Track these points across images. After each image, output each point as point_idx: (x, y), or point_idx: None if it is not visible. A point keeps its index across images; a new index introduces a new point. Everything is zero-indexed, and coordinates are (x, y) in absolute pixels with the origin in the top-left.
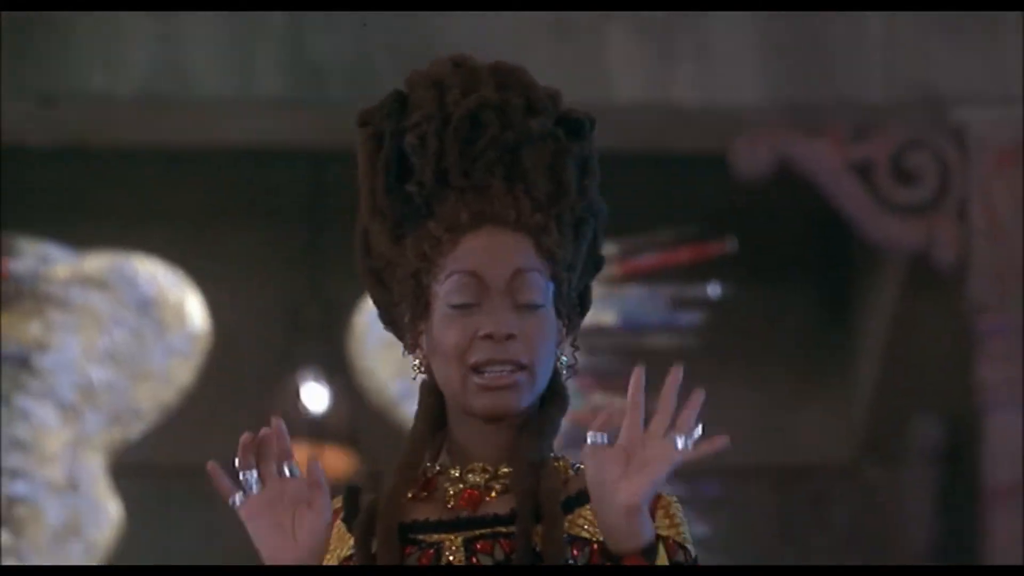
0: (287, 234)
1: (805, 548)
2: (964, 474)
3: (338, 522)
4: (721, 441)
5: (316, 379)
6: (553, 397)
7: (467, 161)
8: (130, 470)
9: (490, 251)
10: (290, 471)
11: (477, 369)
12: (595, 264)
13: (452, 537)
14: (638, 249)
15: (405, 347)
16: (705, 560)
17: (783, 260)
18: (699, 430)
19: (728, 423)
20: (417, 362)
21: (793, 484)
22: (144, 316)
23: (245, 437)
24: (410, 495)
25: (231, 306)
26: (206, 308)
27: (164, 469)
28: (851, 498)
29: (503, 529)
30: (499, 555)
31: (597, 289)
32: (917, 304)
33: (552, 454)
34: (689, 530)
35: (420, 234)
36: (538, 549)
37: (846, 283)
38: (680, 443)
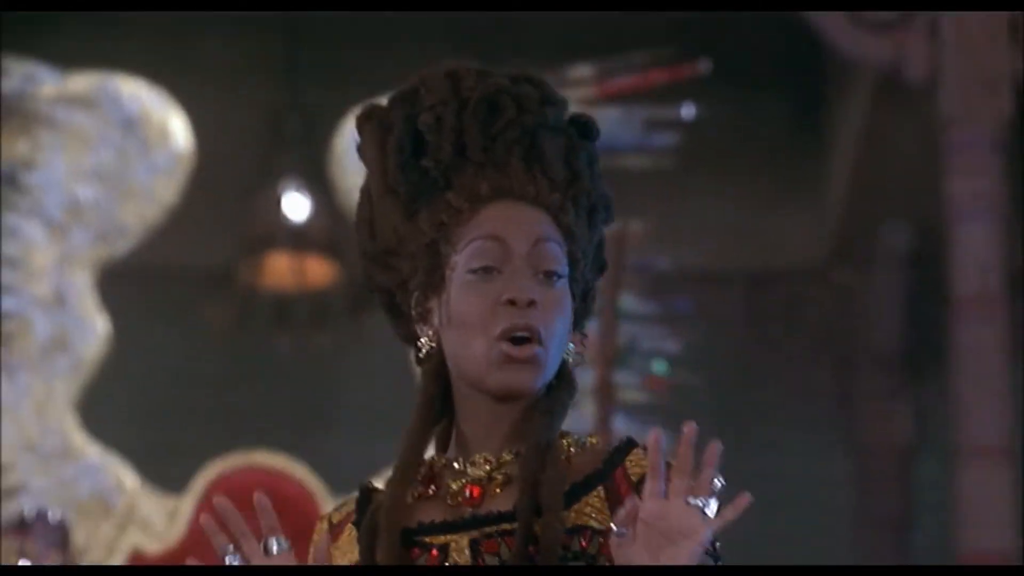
0: (266, 45)
1: (778, 351)
2: (932, 280)
3: (349, 526)
4: (745, 501)
5: (297, 189)
6: (561, 382)
7: (486, 138)
8: (116, 282)
9: (512, 219)
10: (278, 545)
11: (503, 338)
12: (600, 266)
13: (458, 538)
14: (613, 71)
15: (403, 336)
16: (681, 376)
17: (757, 77)
18: (719, 482)
19: (703, 232)
20: (424, 339)
21: (766, 288)
22: (129, 135)
23: (205, 521)
24: (416, 494)
25: (213, 119)
26: (188, 124)
27: (150, 280)
28: (822, 301)
29: (508, 527)
30: (505, 554)
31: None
32: (887, 117)
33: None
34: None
35: (437, 205)
36: (539, 535)
37: (819, 97)
38: (704, 508)
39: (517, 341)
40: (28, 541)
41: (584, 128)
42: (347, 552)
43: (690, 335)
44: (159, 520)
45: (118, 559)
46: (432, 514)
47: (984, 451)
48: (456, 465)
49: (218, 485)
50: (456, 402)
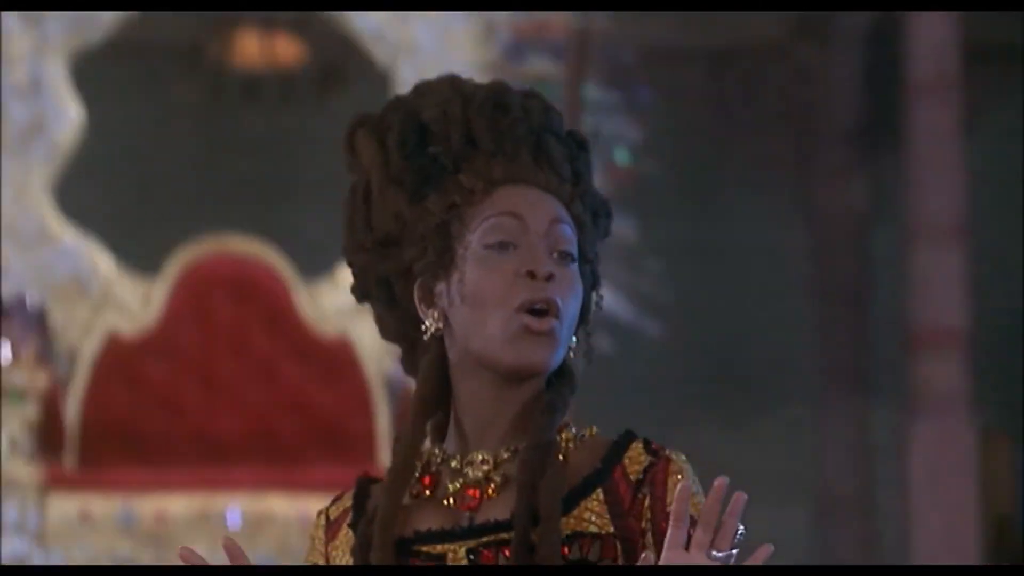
0: None
1: (738, 125)
2: (889, 60)
3: (345, 527)
4: (766, 553)
5: None
6: (563, 377)
7: (494, 131)
8: (88, 63)
9: (528, 199)
10: None
11: (522, 310)
12: (594, 281)
13: (455, 548)
14: None
15: (394, 331)
16: (643, 163)
17: None
18: (741, 533)
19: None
20: (429, 322)
21: (729, 65)
22: None
23: (184, 553)
24: (414, 493)
25: None
26: None
27: (121, 58)
28: (783, 77)
29: (506, 535)
30: (503, 564)
31: None
32: None
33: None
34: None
35: (448, 187)
36: (536, 544)
37: None
38: (725, 563)
39: (536, 313)
40: (7, 325)
41: (582, 142)
42: (345, 553)
43: (652, 122)
44: (134, 302)
45: (94, 341)
46: (429, 520)
47: (937, 230)
48: (454, 464)
49: (191, 270)
50: (456, 394)
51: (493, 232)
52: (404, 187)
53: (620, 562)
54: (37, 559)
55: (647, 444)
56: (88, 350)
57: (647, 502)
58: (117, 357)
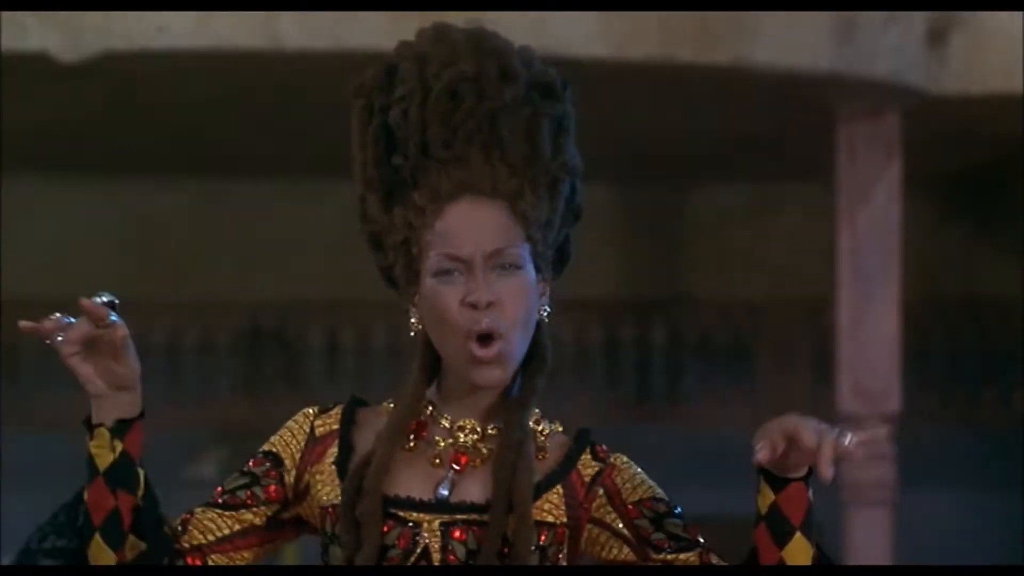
0: None
1: None
2: None
3: (330, 464)
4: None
5: None
6: (534, 359)
7: (448, 132)
8: None
9: (468, 227)
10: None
11: (470, 338)
12: (574, 215)
13: (430, 519)
14: None
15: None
16: None
17: None
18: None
19: None
20: (414, 320)
21: None
22: None
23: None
24: (402, 444)
25: None
26: None
27: None
28: None
29: (477, 517)
30: (471, 542)
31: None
32: None
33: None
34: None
35: (407, 204)
36: (508, 535)
37: None
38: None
39: (482, 339)
40: None
41: (547, 90)
42: (327, 485)
43: None
44: None
45: None
46: (411, 483)
47: None
48: (444, 423)
49: None
50: (444, 369)
51: (438, 262)
52: (377, 193)
53: (566, 546)
54: None
55: (593, 451)
56: None
57: (604, 500)
58: None
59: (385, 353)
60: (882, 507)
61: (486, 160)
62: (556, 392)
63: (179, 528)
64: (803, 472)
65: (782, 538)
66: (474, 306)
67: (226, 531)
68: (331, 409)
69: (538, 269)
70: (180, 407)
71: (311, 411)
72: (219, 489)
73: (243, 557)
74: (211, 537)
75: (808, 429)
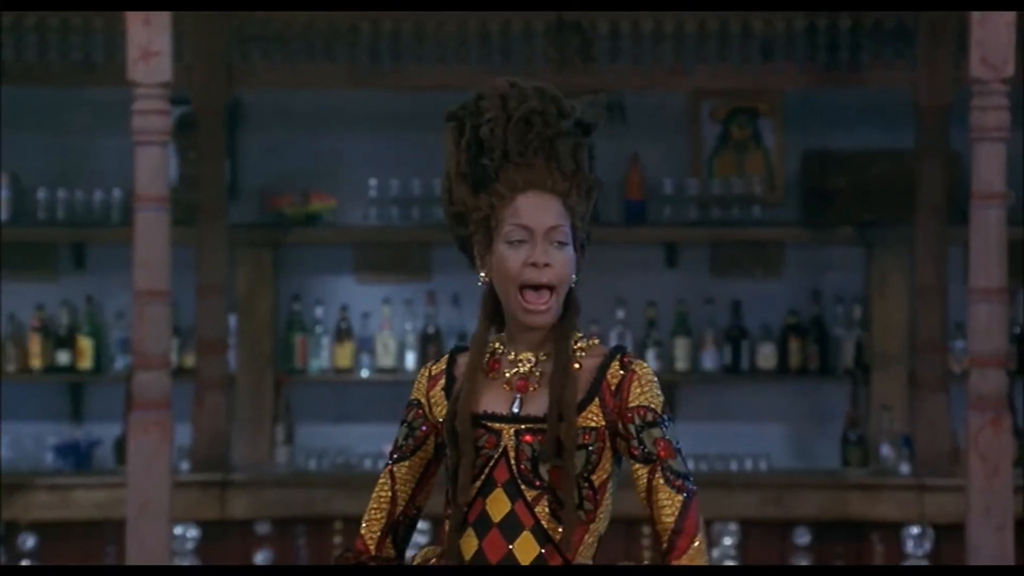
0: None
1: None
2: None
3: (440, 389)
4: None
5: None
6: (570, 306)
7: (522, 146)
8: None
9: (536, 209)
10: None
11: (524, 288)
12: (593, 218)
13: (507, 428)
14: None
15: (473, 267)
16: None
17: None
18: None
19: None
20: (482, 275)
21: None
22: None
23: None
24: (484, 371)
25: None
26: None
27: None
28: None
29: (539, 426)
30: (536, 444)
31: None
32: None
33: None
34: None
35: (490, 191)
36: (560, 437)
37: None
38: None
39: (535, 288)
40: None
41: (587, 128)
42: (439, 406)
43: None
44: None
45: None
46: (492, 402)
47: None
48: (510, 357)
49: None
50: (505, 313)
51: (512, 233)
52: (467, 183)
53: (607, 443)
54: None
55: (622, 360)
56: None
57: (618, 402)
58: None
59: None
60: None
61: (547, 167)
62: None
63: (389, 480)
64: None
65: None
66: (535, 265)
67: (418, 472)
68: (440, 359)
69: (575, 248)
70: None
71: (429, 363)
72: (396, 443)
73: (431, 486)
74: (411, 486)
75: None
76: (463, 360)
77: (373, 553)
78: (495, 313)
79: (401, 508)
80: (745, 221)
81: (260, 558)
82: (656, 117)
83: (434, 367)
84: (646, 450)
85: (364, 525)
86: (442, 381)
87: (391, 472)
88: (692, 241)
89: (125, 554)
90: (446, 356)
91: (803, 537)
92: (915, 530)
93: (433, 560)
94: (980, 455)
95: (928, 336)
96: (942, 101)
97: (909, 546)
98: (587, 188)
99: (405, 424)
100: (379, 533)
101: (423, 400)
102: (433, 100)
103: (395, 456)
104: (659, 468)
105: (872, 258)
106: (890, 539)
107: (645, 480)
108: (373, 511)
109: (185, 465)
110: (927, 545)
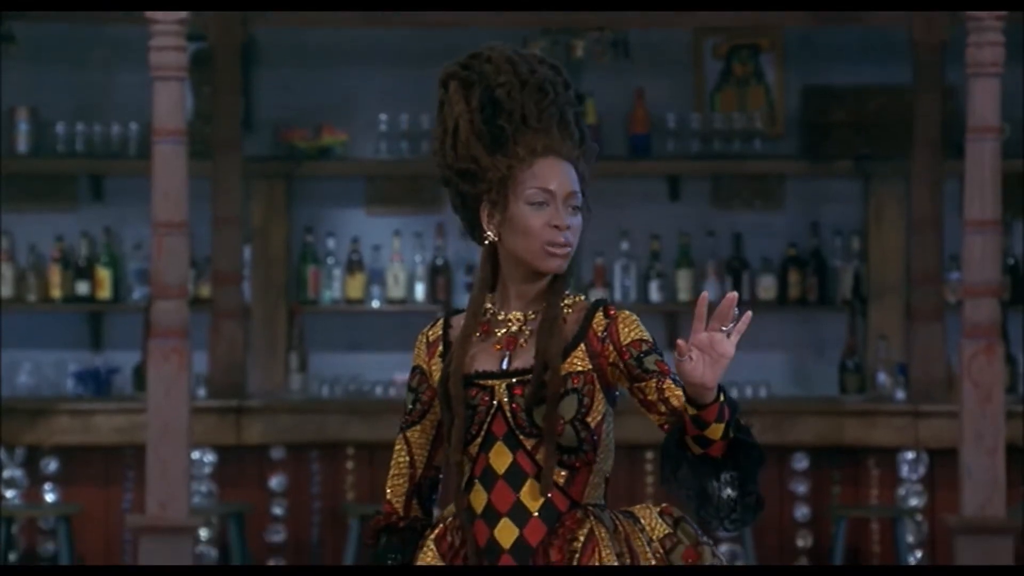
0: None
1: None
2: None
3: (438, 357)
4: (746, 318)
5: None
6: (568, 269)
7: (539, 111)
8: None
9: (557, 174)
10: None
11: (550, 244)
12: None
13: (499, 383)
14: None
15: (468, 227)
16: None
17: None
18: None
19: None
20: (490, 232)
21: None
22: None
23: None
24: (476, 334)
25: None
26: None
27: None
28: None
29: (526, 377)
30: (527, 393)
31: None
32: None
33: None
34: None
35: (508, 152)
36: (545, 380)
37: None
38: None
39: (558, 246)
40: None
41: (581, 98)
42: (437, 372)
43: None
44: None
45: None
46: (484, 362)
47: None
48: (500, 317)
49: None
50: (502, 274)
51: (535, 196)
52: (483, 142)
53: (597, 385)
54: None
55: (605, 311)
56: None
57: (610, 345)
58: None
59: None
60: None
61: (561, 134)
62: None
63: (405, 446)
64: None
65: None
66: (558, 227)
67: (430, 434)
68: (436, 322)
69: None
70: None
71: (425, 328)
72: (406, 408)
73: (445, 446)
74: (426, 449)
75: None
76: (458, 323)
77: (402, 514)
78: (492, 278)
79: (421, 471)
80: (746, 154)
81: (274, 482)
82: (660, 54)
83: (431, 332)
84: (650, 370)
85: (389, 491)
86: (439, 348)
87: (405, 438)
88: (694, 174)
89: (145, 477)
90: (440, 320)
91: (801, 462)
92: (910, 455)
93: (450, 519)
94: (973, 382)
95: (924, 267)
96: (938, 37)
97: (904, 470)
98: (590, 156)
99: (411, 390)
100: (404, 497)
101: (424, 367)
102: (442, 37)
103: (407, 421)
104: (667, 377)
105: (870, 191)
106: (886, 464)
107: (654, 387)
108: (395, 476)
109: (202, 392)
110: (921, 469)
